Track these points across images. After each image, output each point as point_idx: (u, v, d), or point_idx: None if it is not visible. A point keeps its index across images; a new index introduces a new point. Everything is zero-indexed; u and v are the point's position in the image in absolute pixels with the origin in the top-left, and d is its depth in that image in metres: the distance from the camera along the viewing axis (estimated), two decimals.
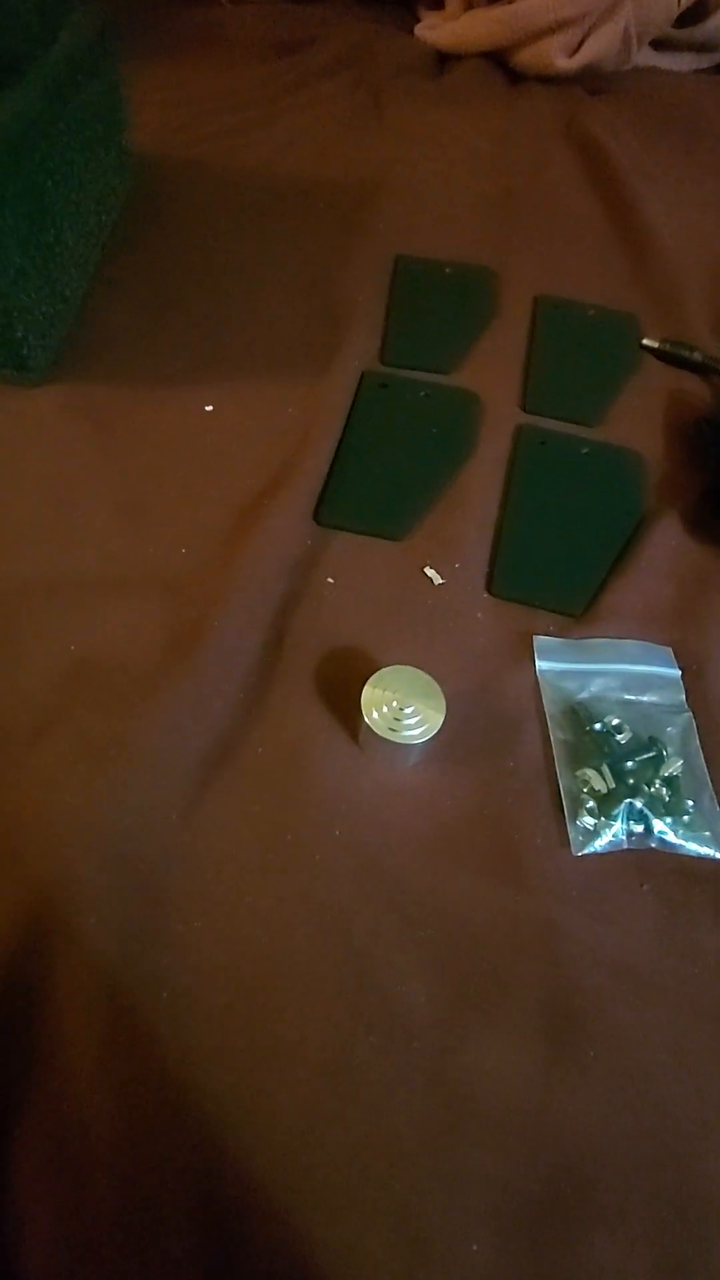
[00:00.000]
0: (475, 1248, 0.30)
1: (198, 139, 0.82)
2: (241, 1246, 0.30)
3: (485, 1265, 0.30)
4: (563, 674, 0.46)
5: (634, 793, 0.41)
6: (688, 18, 0.91)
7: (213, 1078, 0.33)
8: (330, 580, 0.49)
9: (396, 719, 0.40)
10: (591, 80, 0.92)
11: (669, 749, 0.43)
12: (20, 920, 0.35)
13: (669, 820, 0.40)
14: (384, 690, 0.40)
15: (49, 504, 0.51)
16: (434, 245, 0.73)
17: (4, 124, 0.48)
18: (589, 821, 0.40)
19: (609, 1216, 0.32)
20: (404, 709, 0.40)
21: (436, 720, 0.40)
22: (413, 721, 0.40)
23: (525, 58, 0.91)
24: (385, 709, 0.40)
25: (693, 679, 0.46)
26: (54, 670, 0.43)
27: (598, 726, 0.43)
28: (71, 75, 0.56)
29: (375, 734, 0.39)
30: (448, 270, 0.71)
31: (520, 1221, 0.31)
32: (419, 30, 0.97)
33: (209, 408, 0.58)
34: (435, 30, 0.96)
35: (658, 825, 0.40)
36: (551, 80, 0.92)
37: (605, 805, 0.41)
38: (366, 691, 0.40)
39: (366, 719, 0.39)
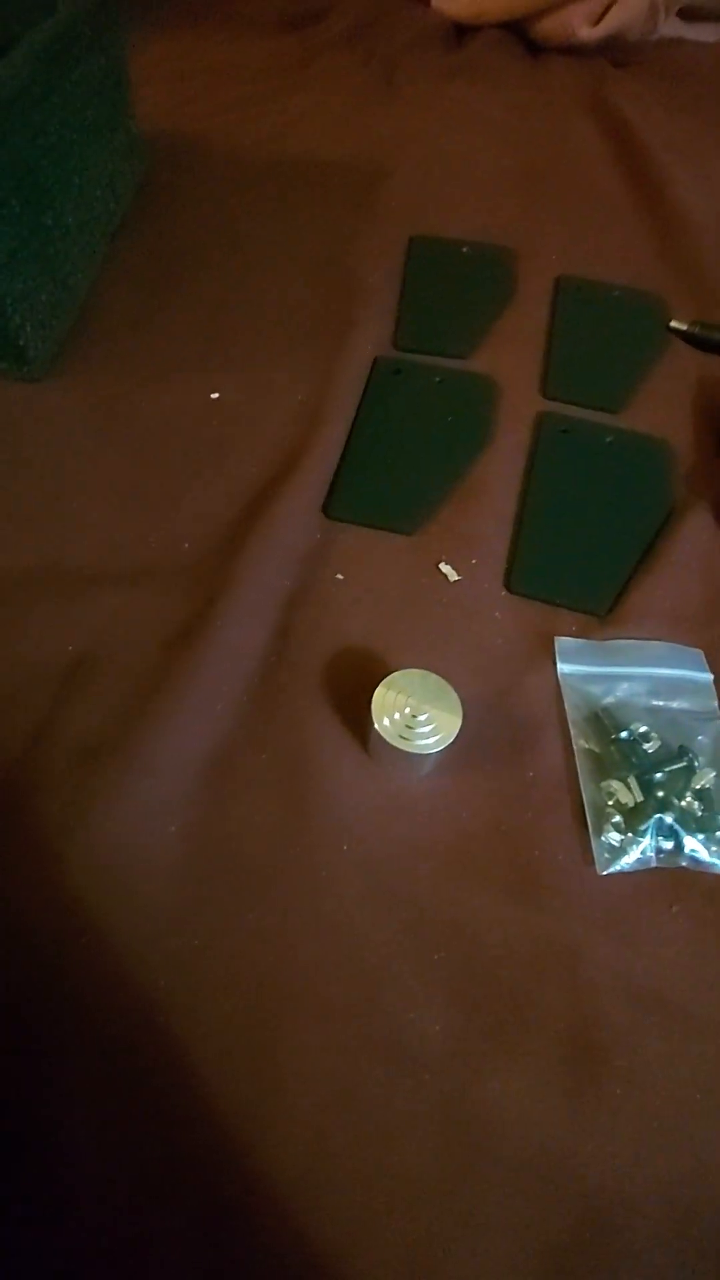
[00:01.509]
0: None
1: (203, 113, 0.79)
2: None
3: None
4: (586, 678, 0.43)
5: (663, 806, 0.38)
6: None
7: (211, 1108, 0.31)
8: (339, 576, 0.46)
9: (409, 726, 0.37)
10: (615, 51, 0.88)
11: (701, 759, 0.40)
12: (9, 936, 0.33)
13: (701, 837, 0.38)
14: (396, 695, 0.38)
15: (46, 494, 0.49)
16: (450, 224, 0.70)
17: None
18: (615, 837, 0.38)
19: (638, 1268, 0.29)
20: (417, 715, 0.37)
21: (452, 728, 0.37)
22: (427, 729, 0.37)
23: (546, 28, 0.87)
24: (397, 715, 0.37)
25: None
26: (49, 668, 0.41)
27: (624, 735, 0.41)
28: (67, 47, 0.54)
29: (386, 742, 0.37)
30: (465, 250, 0.68)
31: (542, 1271, 0.29)
32: (435, 1, 0.93)
33: (214, 395, 0.55)
34: (452, 1, 0.92)
35: (689, 842, 0.37)
36: (573, 52, 0.88)
37: (632, 820, 0.38)
38: (377, 696, 0.38)
39: (376, 726, 0.37)
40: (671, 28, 0.90)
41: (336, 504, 0.50)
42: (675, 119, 0.81)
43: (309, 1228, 0.29)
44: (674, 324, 0.62)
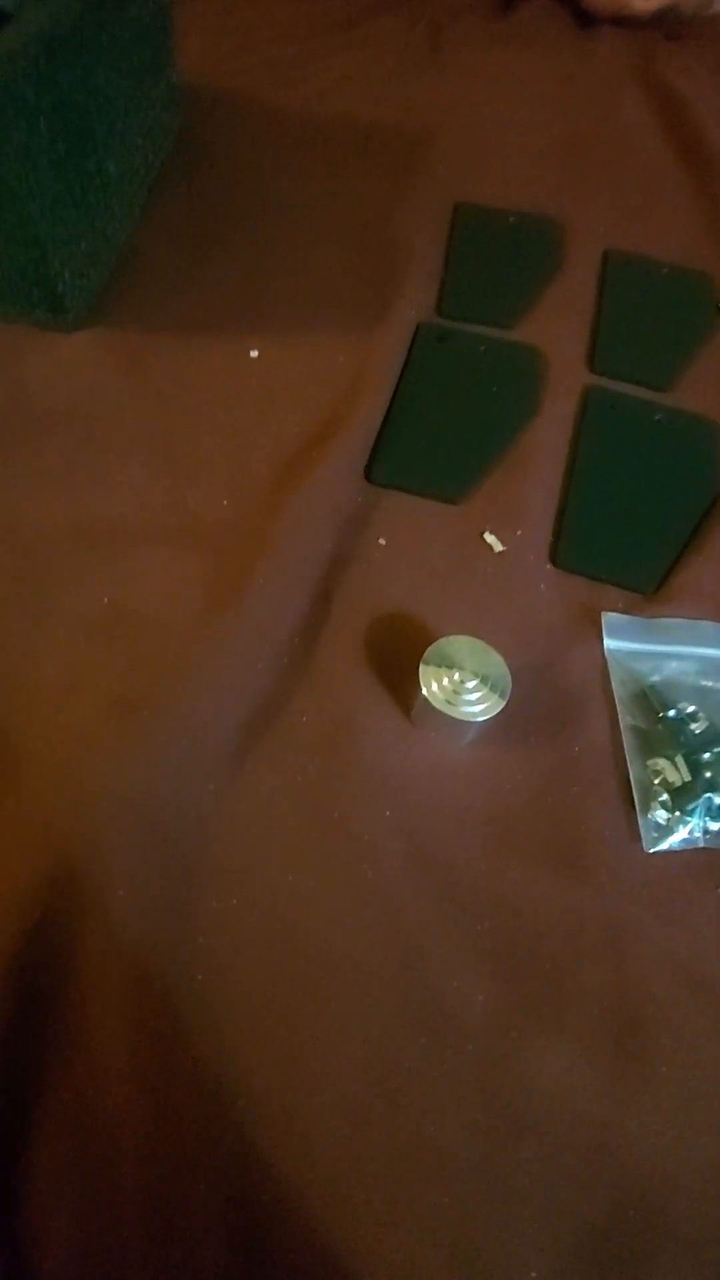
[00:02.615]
0: (533, 1275, 0.28)
1: (245, 69, 0.77)
2: (274, 1258, 0.28)
3: None
4: (633, 655, 0.42)
5: (712, 787, 0.37)
6: None
7: (248, 1072, 0.30)
8: (382, 541, 0.45)
9: (457, 693, 0.36)
10: (669, 24, 0.86)
11: None
12: (45, 892, 0.32)
13: None
14: (445, 661, 0.37)
15: (84, 448, 0.48)
16: (496, 193, 0.68)
17: (41, 26, 0.44)
18: (662, 816, 0.37)
19: (679, 1249, 0.29)
20: (466, 683, 0.36)
21: (501, 697, 0.36)
22: (475, 697, 0.36)
23: None
24: (446, 681, 0.36)
25: None
26: (85, 623, 0.40)
27: (671, 714, 0.40)
28: None
29: (432, 707, 0.36)
30: (511, 220, 0.66)
31: (580, 1250, 0.28)
32: None
33: (254, 353, 0.54)
34: None
35: None
36: (626, 23, 0.86)
37: (680, 799, 0.37)
38: (426, 661, 0.37)
39: (425, 691, 0.36)
40: None
41: (379, 468, 0.49)
42: None
43: (343, 1196, 0.29)
44: None
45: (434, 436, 0.51)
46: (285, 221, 0.64)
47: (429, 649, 0.37)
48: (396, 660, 0.40)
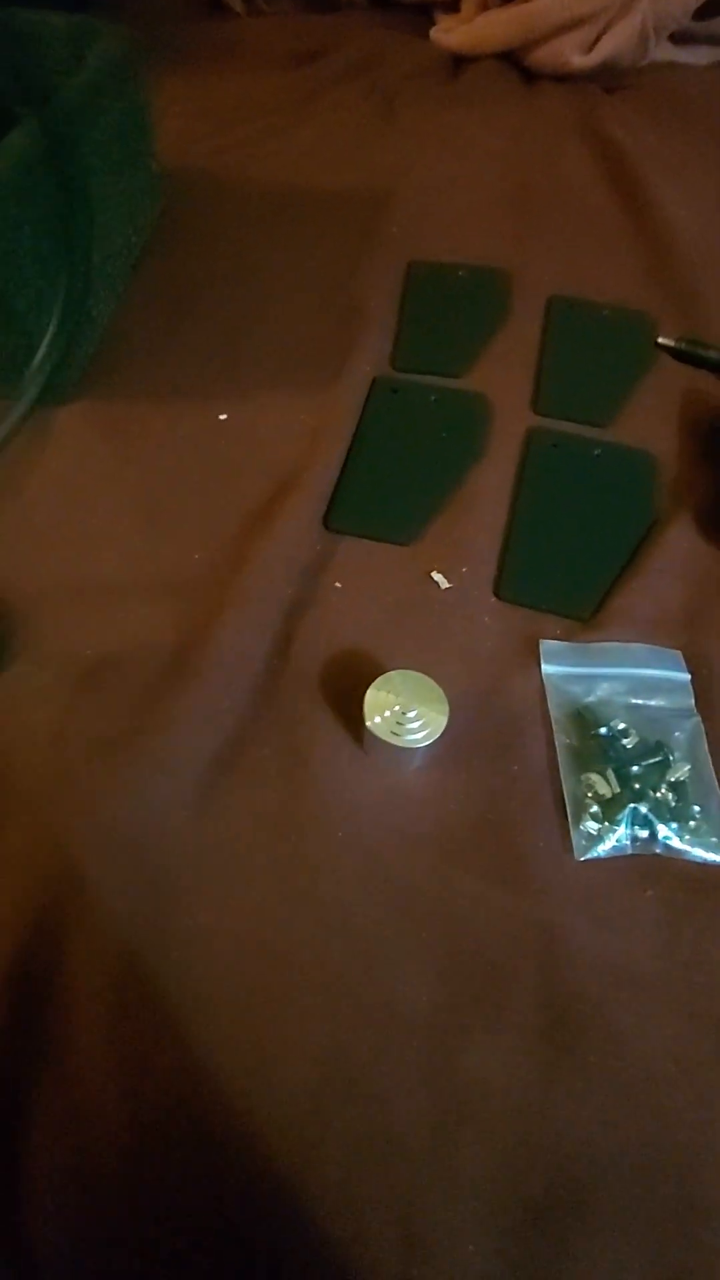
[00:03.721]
0: (471, 1248, 0.31)
1: (217, 149, 0.84)
2: (244, 1236, 0.31)
3: (480, 1268, 0.30)
4: (568, 678, 0.46)
5: (639, 797, 0.41)
6: (707, 10, 0.90)
7: (218, 1070, 0.34)
8: (338, 585, 0.50)
9: (399, 723, 0.40)
10: (608, 77, 0.91)
11: (676, 754, 0.42)
12: (35, 910, 0.36)
13: (674, 825, 0.40)
14: (387, 694, 0.41)
15: (70, 513, 0.53)
16: (448, 248, 0.73)
17: (21, 152, 0.50)
18: (592, 826, 0.40)
19: (606, 1224, 0.32)
20: (406, 713, 0.40)
21: (439, 724, 0.40)
22: (415, 725, 0.40)
23: (540, 56, 0.90)
24: (388, 713, 0.40)
25: (703, 683, 0.45)
26: (72, 670, 0.45)
27: (603, 731, 0.43)
28: (95, 100, 0.58)
29: (378, 738, 0.40)
30: (461, 273, 0.71)
31: (516, 1226, 0.31)
32: (434, 34, 0.97)
33: (223, 416, 0.59)
34: (450, 34, 0.96)
35: (662, 830, 0.40)
36: (567, 79, 0.92)
37: (609, 810, 0.40)
38: (370, 695, 0.41)
39: (369, 723, 0.40)
40: (663, 52, 0.93)
41: (336, 517, 0.53)
42: (665, 141, 0.84)
43: (303, 1178, 0.32)
44: (662, 340, 0.65)
45: (387, 484, 0.55)
46: (255, 291, 0.69)
47: (372, 685, 0.41)
48: (350, 695, 0.44)
